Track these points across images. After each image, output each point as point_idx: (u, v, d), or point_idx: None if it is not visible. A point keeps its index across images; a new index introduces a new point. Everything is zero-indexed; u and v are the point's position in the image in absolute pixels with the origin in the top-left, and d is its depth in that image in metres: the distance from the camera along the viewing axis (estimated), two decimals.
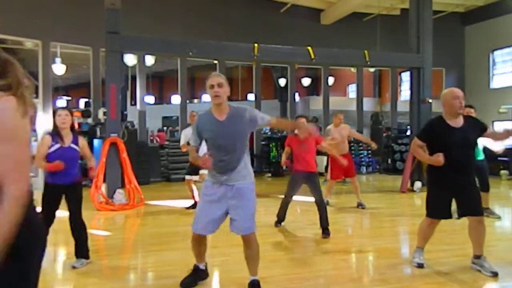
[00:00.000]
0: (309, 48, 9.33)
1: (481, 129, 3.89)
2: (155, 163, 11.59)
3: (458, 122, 3.84)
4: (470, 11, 15.74)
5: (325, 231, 5.41)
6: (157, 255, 4.66)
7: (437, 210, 3.99)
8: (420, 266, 4.05)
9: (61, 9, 10.90)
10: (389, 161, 13.61)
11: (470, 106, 6.01)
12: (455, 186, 3.85)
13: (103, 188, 7.78)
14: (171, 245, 5.07)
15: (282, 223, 6.00)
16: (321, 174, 9.93)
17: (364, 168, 13.85)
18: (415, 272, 3.99)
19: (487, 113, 13.63)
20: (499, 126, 13.51)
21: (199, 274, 3.63)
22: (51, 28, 10.80)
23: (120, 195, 7.81)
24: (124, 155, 7.86)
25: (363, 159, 13.83)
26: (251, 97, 16.10)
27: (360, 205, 7.42)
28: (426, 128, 4.07)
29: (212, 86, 3.13)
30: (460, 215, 3.95)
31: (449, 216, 3.94)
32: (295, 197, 5.93)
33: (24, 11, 10.44)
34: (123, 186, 7.97)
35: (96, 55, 11.57)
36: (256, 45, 8.94)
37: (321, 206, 5.49)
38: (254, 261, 3.36)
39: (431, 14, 10.13)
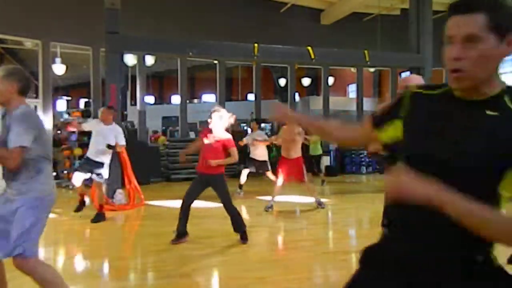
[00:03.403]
0: (309, 48, 9.33)
1: None
2: (155, 163, 11.58)
3: None
4: None
5: (242, 236, 4.85)
6: (157, 255, 4.65)
7: None
8: None
9: (61, 9, 10.89)
10: None
11: None
12: None
13: (103, 188, 7.77)
14: (171, 245, 5.06)
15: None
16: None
17: (364, 168, 13.84)
18: None
19: None
20: None
21: None
22: (51, 28, 10.79)
23: (120, 195, 7.81)
24: (124, 155, 7.86)
25: (363, 159, 13.82)
26: (251, 97, 16.09)
27: (319, 204, 6.95)
28: None
29: None
30: None
31: None
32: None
33: (24, 11, 10.43)
34: (123, 186, 7.96)
35: (96, 55, 11.56)
36: (256, 45, 8.94)
37: (228, 210, 4.84)
38: None
39: (431, 14, 10.14)
